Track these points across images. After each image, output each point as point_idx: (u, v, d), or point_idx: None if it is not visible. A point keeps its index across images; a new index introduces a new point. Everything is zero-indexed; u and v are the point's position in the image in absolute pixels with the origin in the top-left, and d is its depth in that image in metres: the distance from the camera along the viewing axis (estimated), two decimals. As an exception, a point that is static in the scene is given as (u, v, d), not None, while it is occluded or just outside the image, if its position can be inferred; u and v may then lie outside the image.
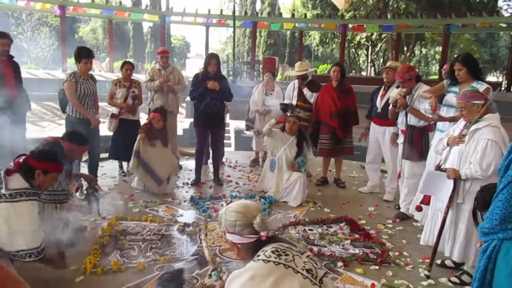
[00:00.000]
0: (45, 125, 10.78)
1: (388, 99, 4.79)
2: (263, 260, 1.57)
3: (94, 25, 35.40)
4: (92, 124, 4.74)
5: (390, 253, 3.54)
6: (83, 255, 3.19)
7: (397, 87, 4.57)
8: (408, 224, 4.34)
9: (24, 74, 5.20)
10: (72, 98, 4.56)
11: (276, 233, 1.76)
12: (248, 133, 7.75)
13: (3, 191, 2.38)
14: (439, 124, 4.06)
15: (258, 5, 33.59)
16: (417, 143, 4.28)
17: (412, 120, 4.32)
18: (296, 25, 19.75)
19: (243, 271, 1.59)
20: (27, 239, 2.38)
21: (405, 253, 3.57)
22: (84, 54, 4.62)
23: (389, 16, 19.92)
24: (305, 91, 5.86)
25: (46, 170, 2.59)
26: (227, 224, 1.72)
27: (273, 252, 1.59)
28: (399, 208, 4.64)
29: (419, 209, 3.78)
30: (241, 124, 8.82)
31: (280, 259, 1.57)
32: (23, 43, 27.43)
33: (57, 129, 10.03)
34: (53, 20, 27.73)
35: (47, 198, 3.23)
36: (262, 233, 1.66)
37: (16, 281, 2.08)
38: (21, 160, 2.58)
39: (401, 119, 4.48)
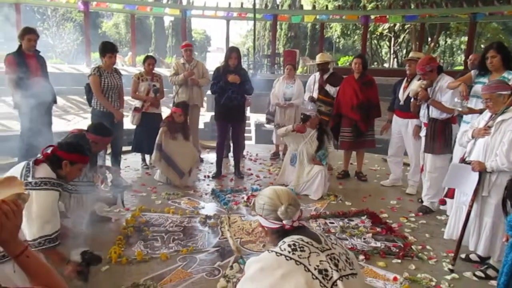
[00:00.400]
0: (70, 119, 11.02)
1: (410, 92, 4.71)
2: (276, 253, 1.57)
3: (116, 20, 35.86)
4: (115, 118, 4.84)
5: (412, 246, 3.49)
6: (108, 245, 3.27)
7: (419, 79, 4.48)
8: (431, 218, 4.27)
9: (49, 68, 5.33)
10: (96, 92, 4.66)
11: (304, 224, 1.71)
12: (268, 126, 7.75)
13: (30, 179, 2.47)
14: (466, 116, 3.97)
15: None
16: (440, 136, 4.20)
17: (434, 113, 4.24)
18: (317, 17, 19.52)
19: (257, 260, 1.61)
20: (42, 226, 2.45)
21: (428, 247, 3.52)
22: (108, 49, 4.72)
23: (412, 6, 19.45)
24: (328, 88, 5.80)
25: (73, 161, 2.67)
26: (257, 206, 1.77)
27: (289, 245, 1.59)
28: (421, 201, 4.57)
29: (442, 202, 3.72)
30: (262, 118, 8.82)
31: (293, 254, 1.55)
32: (48, 39, 28.01)
33: (82, 122, 10.24)
34: (77, 16, 28.23)
35: (73, 189, 3.32)
36: (284, 222, 1.67)
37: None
38: (49, 151, 2.66)
39: (423, 112, 4.39)
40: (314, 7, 22.58)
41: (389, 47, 28.96)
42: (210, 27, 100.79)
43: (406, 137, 5.03)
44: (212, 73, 5.51)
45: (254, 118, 10.54)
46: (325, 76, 5.92)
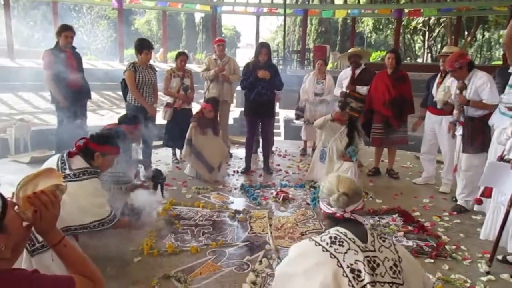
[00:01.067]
0: (104, 113, 11.32)
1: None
2: (316, 242, 1.60)
3: (148, 17, 36.51)
4: (149, 112, 4.94)
5: (446, 246, 3.40)
6: (140, 237, 3.35)
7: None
8: (466, 217, 4.14)
9: (84, 64, 5.49)
10: (131, 87, 4.78)
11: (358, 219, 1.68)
12: (297, 122, 7.71)
13: (67, 171, 2.55)
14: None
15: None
16: (479, 135, 4.05)
17: (470, 111, 4.09)
18: (349, 11, 19.21)
19: (297, 246, 1.68)
20: (96, 211, 2.54)
21: (462, 247, 3.42)
22: (145, 46, 4.84)
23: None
24: (359, 88, 5.69)
25: (104, 153, 2.74)
26: (320, 188, 1.80)
27: (330, 237, 1.60)
28: (456, 200, 4.44)
29: (479, 202, 3.60)
30: (291, 114, 8.78)
31: (330, 247, 1.56)
32: (83, 36, 28.86)
33: (115, 117, 10.49)
34: (110, 13, 28.93)
35: (112, 180, 3.43)
36: (334, 209, 1.68)
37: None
38: (81, 143, 2.75)
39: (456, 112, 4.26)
40: (345, 1, 22.17)
41: (423, 41, 28.20)
42: (240, 23, 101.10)
43: (440, 134, 4.89)
44: (242, 69, 5.52)
45: (283, 114, 10.51)
46: (357, 72, 5.82)
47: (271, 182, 5.17)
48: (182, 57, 5.88)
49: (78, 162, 2.63)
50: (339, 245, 1.56)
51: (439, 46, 28.02)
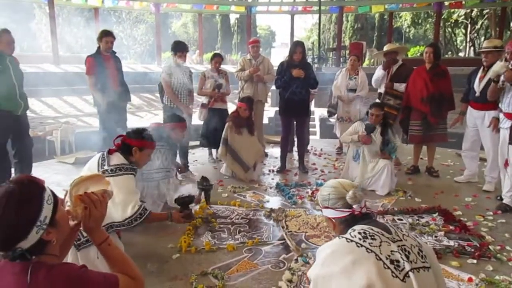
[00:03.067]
0: (143, 115, 11.67)
1: (487, 82, 4.40)
2: (346, 239, 1.58)
3: (185, 20, 37.23)
4: (185, 113, 5.06)
5: (490, 246, 3.27)
6: (178, 234, 3.44)
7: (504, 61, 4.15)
8: (511, 217, 3.97)
9: (124, 68, 5.68)
10: (167, 89, 4.91)
11: (375, 214, 1.71)
12: (332, 120, 7.61)
13: (106, 167, 2.70)
14: None
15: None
16: None
17: None
18: (386, 7, 18.77)
19: (327, 246, 1.64)
20: (127, 208, 2.65)
21: (507, 248, 3.28)
22: (180, 47, 4.95)
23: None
24: (397, 86, 5.57)
25: (141, 147, 2.88)
26: (321, 199, 1.78)
27: (359, 233, 1.58)
28: (501, 199, 4.25)
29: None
30: (325, 112, 8.71)
31: (364, 241, 1.54)
32: (123, 40, 29.81)
33: (153, 118, 10.79)
34: (149, 18, 29.73)
35: (149, 176, 3.64)
36: (354, 207, 1.66)
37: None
38: (119, 141, 2.90)
39: (507, 100, 4.06)
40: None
41: (465, 34, 27.12)
42: (274, 22, 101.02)
43: (482, 130, 4.69)
44: (276, 68, 5.53)
45: (318, 112, 10.43)
46: (394, 68, 5.69)
47: (306, 181, 5.15)
48: (217, 59, 5.98)
49: (117, 159, 2.77)
50: (372, 239, 1.55)
51: (482, 39, 26.85)
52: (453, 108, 5.33)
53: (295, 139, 6.06)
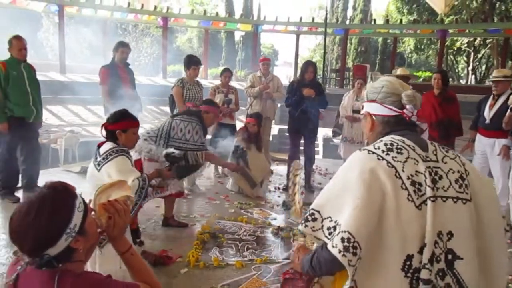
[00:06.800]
0: (147, 127, 11.64)
1: (497, 110, 4.44)
2: (368, 151, 1.39)
3: (190, 35, 37.62)
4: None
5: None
6: (185, 248, 3.41)
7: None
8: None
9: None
10: (179, 102, 4.93)
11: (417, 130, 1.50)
12: (336, 140, 7.64)
13: (98, 159, 2.62)
14: None
15: (349, 12, 33.04)
16: None
17: None
18: (390, 31, 19.04)
19: (347, 160, 1.46)
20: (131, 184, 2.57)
21: (518, 277, 3.25)
22: (193, 62, 4.99)
23: (495, 19, 18.33)
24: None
25: (123, 128, 2.76)
26: (370, 91, 1.56)
27: (385, 144, 1.39)
28: (511, 228, 4.23)
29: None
30: (330, 132, 8.73)
31: (387, 155, 1.35)
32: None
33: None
34: (154, 31, 30.05)
35: (184, 146, 3.78)
36: (407, 107, 1.45)
37: None
38: (103, 132, 2.81)
39: None
40: (387, 21, 22.01)
41: (467, 62, 27.43)
42: (278, 41, 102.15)
43: (492, 158, 4.70)
44: (287, 87, 5.58)
45: (322, 132, 10.45)
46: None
47: (313, 200, 5.12)
48: (226, 73, 6.03)
49: (105, 147, 2.70)
50: (397, 152, 1.35)
51: (483, 67, 27.18)
52: (461, 134, 5.35)
53: (302, 157, 6.06)
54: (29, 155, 4.59)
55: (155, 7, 17.09)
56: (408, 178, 1.31)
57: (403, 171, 1.31)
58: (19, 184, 4.73)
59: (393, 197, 1.28)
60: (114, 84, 4.98)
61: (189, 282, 2.93)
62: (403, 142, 1.39)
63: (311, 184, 5.72)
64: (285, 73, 30.45)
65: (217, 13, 20.39)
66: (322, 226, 1.39)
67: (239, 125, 6.13)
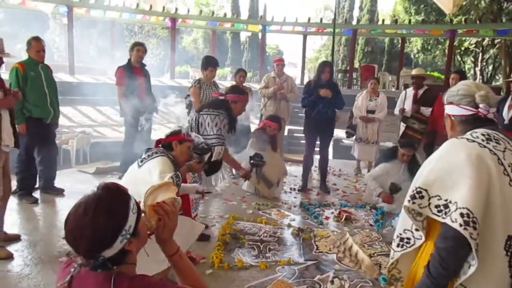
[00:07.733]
0: (157, 128, 11.65)
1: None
2: (467, 139, 1.47)
3: (195, 35, 37.63)
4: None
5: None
6: (208, 249, 3.40)
7: None
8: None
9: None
10: (196, 102, 4.92)
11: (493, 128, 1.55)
12: (346, 141, 7.62)
13: (143, 156, 2.80)
14: None
15: (355, 13, 32.97)
16: None
17: None
18: (398, 31, 18.96)
19: (441, 148, 1.53)
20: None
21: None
22: (211, 63, 4.98)
23: (504, 20, 18.21)
24: (424, 110, 5.59)
25: (180, 140, 2.95)
26: (449, 94, 1.68)
27: (482, 135, 1.47)
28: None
29: None
30: (340, 133, 8.69)
31: (488, 143, 1.43)
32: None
33: (167, 131, 10.75)
34: (160, 32, 30.13)
35: (214, 141, 3.74)
36: (481, 106, 1.54)
37: None
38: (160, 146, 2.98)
39: None
40: (396, 21, 21.91)
41: (474, 62, 27.28)
42: (283, 41, 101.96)
43: (511, 158, 4.66)
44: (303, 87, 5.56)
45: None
46: (420, 92, 5.71)
47: (330, 201, 5.11)
48: (241, 73, 6.03)
49: (153, 149, 2.85)
50: (496, 142, 1.44)
51: (490, 67, 27.03)
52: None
53: (316, 157, 6.04)
54: (46, 156, 4.60)
55: (164, 8, 17.09)
56: (509, 166, 1.41)
57: (504, 159, 1.42)
58: (37, 185, 4.73)
59: (498, 179, 1.38)
60: (130, 84, 4.97)
61: (215, 283, 2.90)
62: (497, 134, 1.49)
63: (326, 184, 5.68)
64: (289, 74, 30.39)
65: (225, 14, 20.37)
66: (429, 203, 1.47)
67: (254, 124, 6.11)
